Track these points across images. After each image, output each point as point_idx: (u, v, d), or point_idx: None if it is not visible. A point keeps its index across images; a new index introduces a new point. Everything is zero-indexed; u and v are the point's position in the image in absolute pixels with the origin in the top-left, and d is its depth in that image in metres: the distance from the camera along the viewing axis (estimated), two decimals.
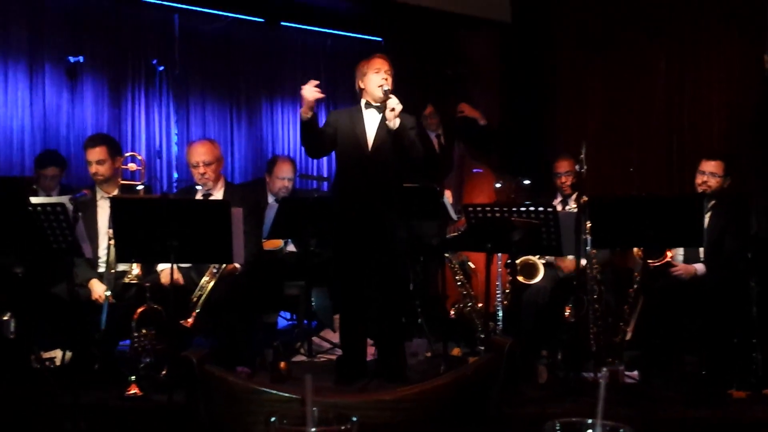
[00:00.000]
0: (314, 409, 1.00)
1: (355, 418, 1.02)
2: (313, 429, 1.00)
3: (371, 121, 4.48)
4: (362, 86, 4.50)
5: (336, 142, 4.48)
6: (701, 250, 4.75)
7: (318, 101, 4.33)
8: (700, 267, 4.72)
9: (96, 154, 4.64)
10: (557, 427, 1.01)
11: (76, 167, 6.37)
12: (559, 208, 5.05)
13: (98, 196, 4.68)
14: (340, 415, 1.03)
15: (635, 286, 4.76)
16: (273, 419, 1.01)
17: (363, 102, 4.52)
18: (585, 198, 4.39)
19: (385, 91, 4.32)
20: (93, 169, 4.64)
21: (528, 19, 7.75)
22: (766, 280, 4.49)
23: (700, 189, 4.78)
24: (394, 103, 4.25)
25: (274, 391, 1.22)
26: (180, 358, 1.27)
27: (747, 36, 6.18)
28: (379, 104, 4.44)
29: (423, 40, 8.10)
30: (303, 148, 4.64)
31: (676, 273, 4.71)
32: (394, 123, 4.28)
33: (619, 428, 1.02)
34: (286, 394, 1.21)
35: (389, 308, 4.47)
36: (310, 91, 4.24)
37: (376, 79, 4.41)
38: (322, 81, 4.31)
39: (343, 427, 1.01)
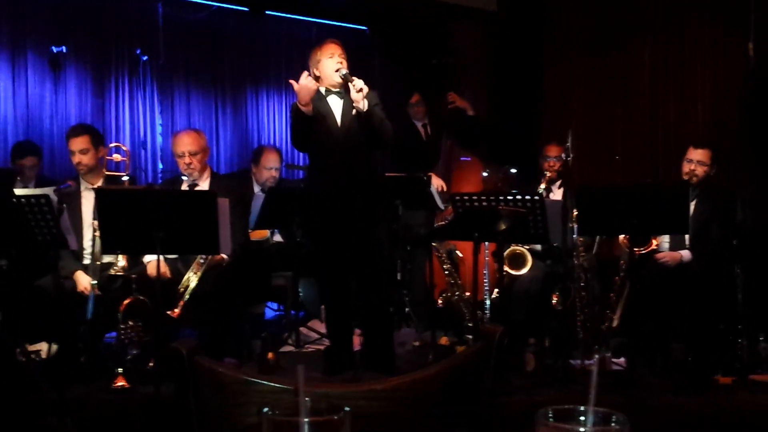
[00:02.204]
0: (306, 399, 0.99)
1: (347, 408, 1.02)
2: (306, 419, 0.99)
3: (336, 107, 4.41)
4: (317, 74, 4.42)
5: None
6: (687, 237, 4.78)
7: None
8: (686, 254, 4.75)
9: (79, 143, 4.59)
10: (550, 415, 1.01)
11: (60, 159, 6.32)
12: (543, 195, 5.06)
13: (82, 187, 4.64)
14: (332, 405, 1.02)
15: (621, 274, 4.78)
16: (265, 410, 1.01)
17: (323, 90, 4.42)
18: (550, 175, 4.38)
19: (344, 75, 4.26)
20: (76, 159, 4.60)
21: (515, 9, 7.75)
22: (752, 268, 4.53)
23: (686, 177, 4.80)
24: (359, 83, 4.19)
25: (266, 382, 1.21)
26: (169, 350, 1.26)
27: (731, 24, 6.20)
28: (339, 89, 4.39)
29: (409, 29, 8.09)
30: (290, 141, 4.57)
31: (662, 260, 4.74)
32: (363, 104, 4.22)
33: (612, 415, 1.01)
34: (278, 385, 1.20)
35: (374, 298, 4.45)
36: (307, 83, 4.17)
37: (331, 64, 4.34)
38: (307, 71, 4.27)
39: (335, 417, 1.01)
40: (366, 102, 4.23)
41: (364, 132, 4.33)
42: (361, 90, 4.19)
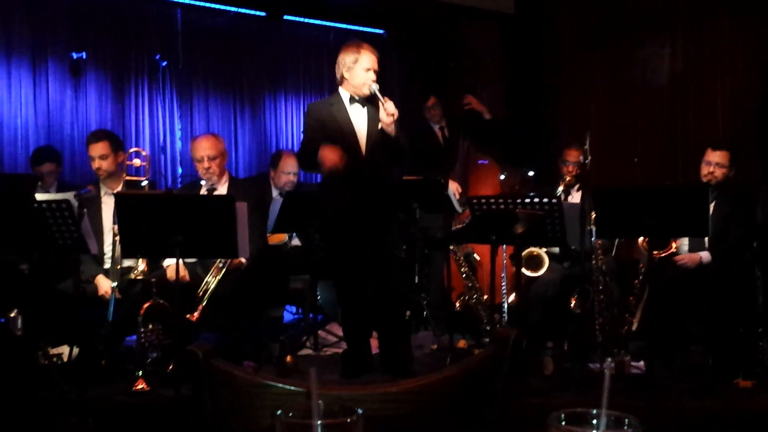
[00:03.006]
0: (319, 401, 1.00)
1: (360, 411, 1.03)
2: (319, 421, 1.00)
3: (359, 118, 4.33)
4: (346, 78, 4.31)
5: (323, 138, 4.28)
6: (706, 239, 4.74)
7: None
8: (705, 255, 4.72)
9: (98, 149, 4.65)
10: (562, 418, 1.01)
11: (81, 164, 6.39)
12: (561, 198, 5.04)
13: (102, 192, 4.69)
14: (346, 408, 1.03)
15: (641, 277, 4.75)
16: (278, 412, 1.02)
17: (346, 96, 4.34)
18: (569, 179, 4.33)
19: (375, 91, 4.18)
20: (96, 164, 4.66)
21: (531, 10, 7.73)
22: None
23: (705, 179, 4.76)
24: (392, 107, 4.11)
25: (280, 384, 1.22)
26: (186, 353, 1.27)
27: (751, 24, 6.15)
28: (362, 98, 4.32)
29: (426, 32, 8.09)
30: (299, 162, 4.52)
31: (681, 263, 4.71)
32: (392, 129, 4.17)
33: (624, 418, 1.02)
34: (291, 387, 1.22)
35: (387, 301, 4.45)
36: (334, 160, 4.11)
37: (364, 77, 4.25)
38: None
39: (348, 420, 1.01)
40: (395, 127, 4.18)
41: (386, 147, 4.29)
42: (392, 115, 4.11)
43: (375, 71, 4.28)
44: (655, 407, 3.80)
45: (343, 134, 4.29)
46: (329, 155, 4.10)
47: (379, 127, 4.25)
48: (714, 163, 4.77)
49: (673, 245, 4.76)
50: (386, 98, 4.16)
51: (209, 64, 7.44)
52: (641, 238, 4.73)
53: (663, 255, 4.73)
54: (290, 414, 1.02)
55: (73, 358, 4.30)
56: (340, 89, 4.40)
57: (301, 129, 4.52)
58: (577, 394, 4.02)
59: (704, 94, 6.48)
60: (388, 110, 4.12)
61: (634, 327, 4.70)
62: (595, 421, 1.01)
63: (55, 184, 5.57)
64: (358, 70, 4.27)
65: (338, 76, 4.38)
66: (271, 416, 1.02)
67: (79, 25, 6.67)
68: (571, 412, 1.02)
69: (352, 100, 4.35)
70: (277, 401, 1.19)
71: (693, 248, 4.81)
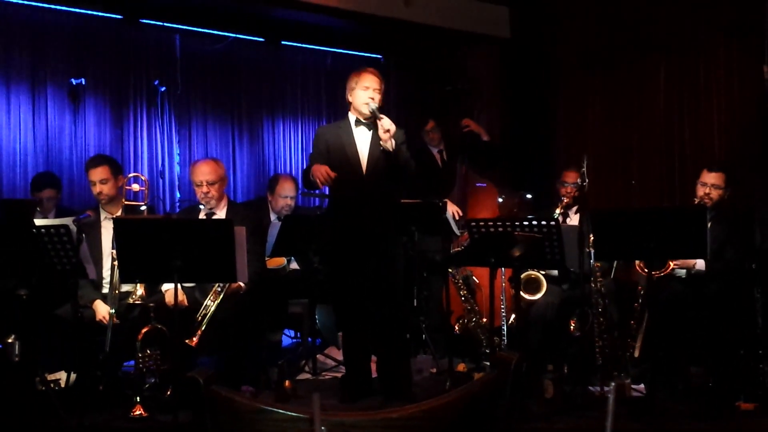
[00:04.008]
0: (322, 428, 1.00)
1: None
2: None
3: (363, 139, 4.41)
4: (350, 100, 4.44)
5: (328, 159, 4.37)
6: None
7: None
8: (699, 262, 4.72)
9: (99, 173, 4.67)
10: None
11: (79, 189, 6.40)
12: (559, 221, 5.05)
13: (102, 216, 4.70)
14: None
15: (640, 301, 4.74)
16: None
17: (353, 118, 4.45)
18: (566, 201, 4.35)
19: (372, 110, 4.27)
20: (97, 189, 4.67)
21: (528, 35, 7.79)
22: None
23: (699, 200, 4.78)
24: (387, 123, 4.19)
25: (281, 411, 1.22)
26: (186, 379, 1.27)
27: (746, 47, 6.19)
28: (368, 121, 4.40)
29: (423, 56, 8.15)
30: (302, 183, 4.57)
31: (674, 264, 4.71)
32: (390, 144, 4.23)
33: None
34: (294, 414, 1.21)
35: (389, 325, 4.44)
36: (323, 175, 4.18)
37: (363, 96, 4.35)
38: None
39: None
40: (393, 142, 4.24)
41: (387, 167, 4.34)
42: (388, 131, 4.19)
43: (376, 91, 4.36)
44: (656, 430, 3.78)
45: (346, 155, 4.37)
46: (318, 170, 4.20)
47: (381, 148, 4.29)
48: (710, 184, 4.79)
49: (671, 264, 4.77)
50: (382, 115, 4.24)
51: (208, 90, 7.47)
52: (637, 261, 4.74)
53: (661, 275, 4.73)
54: None
55: (71, 384, 4.28)
56: (349, 114, 4.50)
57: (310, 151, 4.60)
58: (578, 417, 4.00)
59: (700, 117, 6.50)
60: (383, 126, 4.19)
61: (636, 353, 4.68)
62: None
63: (54, 209, 5.58)
64: (359, 89, 4.38)
65: (347, 101, 4.49)
66: None
67: (78, 51, 6.70)
68: None
69: (358, 122, 4.44)
70: (280, 427, 1.19)
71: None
